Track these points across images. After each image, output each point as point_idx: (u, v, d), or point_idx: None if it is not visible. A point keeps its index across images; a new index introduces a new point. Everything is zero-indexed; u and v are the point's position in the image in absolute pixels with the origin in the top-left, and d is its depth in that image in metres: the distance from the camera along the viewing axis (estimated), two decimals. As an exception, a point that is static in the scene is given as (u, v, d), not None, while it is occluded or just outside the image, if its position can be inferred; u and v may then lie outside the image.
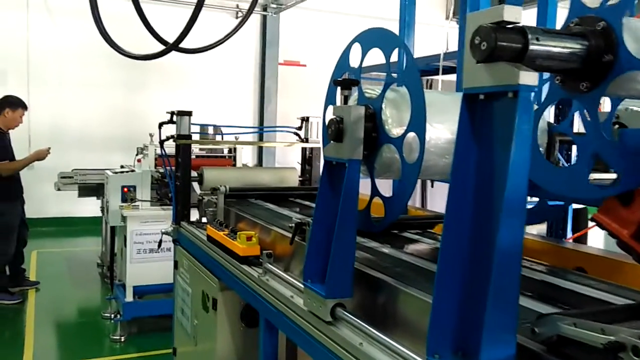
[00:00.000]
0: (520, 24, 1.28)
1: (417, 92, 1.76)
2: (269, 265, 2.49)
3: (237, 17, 11.11)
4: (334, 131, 1.90)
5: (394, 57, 1.96)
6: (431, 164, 1.90)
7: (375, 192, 2.00)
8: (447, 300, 1.37)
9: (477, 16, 1.31)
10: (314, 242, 2.02)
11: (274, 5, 11.69)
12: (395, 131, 1.88)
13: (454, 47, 4.03)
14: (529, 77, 1.22)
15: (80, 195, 7.08)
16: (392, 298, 1.88)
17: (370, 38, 1.99)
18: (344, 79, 1.93)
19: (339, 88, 1.96)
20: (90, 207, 8.50)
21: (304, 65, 12.35)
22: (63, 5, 10.45)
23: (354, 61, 2.14)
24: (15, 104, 6.07)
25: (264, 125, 11.86)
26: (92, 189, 6.94)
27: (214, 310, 3.11)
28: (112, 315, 5.52)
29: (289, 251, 2.60)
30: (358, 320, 1.81)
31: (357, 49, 2.11)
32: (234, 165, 5.94)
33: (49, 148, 6.32)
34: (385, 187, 2.15)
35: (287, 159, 10.73)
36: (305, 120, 4.33)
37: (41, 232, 9.42)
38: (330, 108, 2.27)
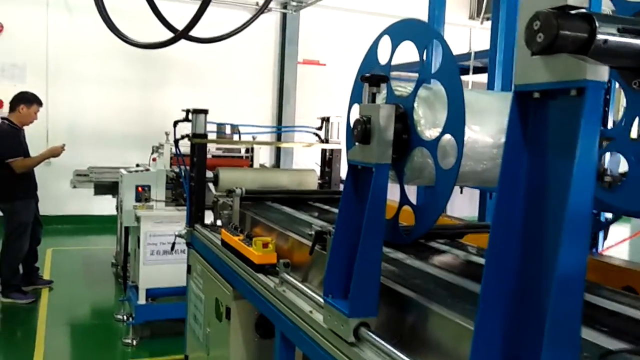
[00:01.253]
0: (586, 10, 1.09)
1: (455, 90, 1.58)
2: (286, 276, 2.32)
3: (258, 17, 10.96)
4: (360, 132, 1.72)
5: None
6: (467, 170, 1.72)
7: (404, 199, 1.82)
8: (491, 331, 1.18)
9: (534, 1, 1.12)
10: (335, 253, 1.85)
11: (294, 3, 11.53)
12: (429, 133, 1.70)
13: (477, 47, 3.85)
14: (598, 72, 1.03)
15: (96, 193, 6.98)
16: (421, 319, 1.70)
17: (402, 30, 1.81)
18: (372, 75, 1.75)
19: (366, 85, 1.78)
20: (106, 205, 8.40)
21: (324, 65, 12.16)
22: (83, 2, 10.38)
23: (382, 57, 1.96)
24: (30, 100, 5.97)
25: (282, 125, 11.71)
26: (108, 187, 6.83)
27: (227, 319, 2.95)
28: (125, 318, 5.39)
29: (308, 260, 2.43)
30: (384, 343, 1.64)
31: (386, 43, 1.93)
32: (251, 165, 5.78)
33: (64, 145, 6.22)
34: (412, 192, 1.98)
35: (305, 160, 10.57)
36: (325, 120, 4.15)
37: (57, 229, 9.36)
38: (356, 107, 2.09)
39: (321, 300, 2.01)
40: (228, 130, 6.12)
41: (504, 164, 1.19)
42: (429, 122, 1.70)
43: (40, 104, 6.13)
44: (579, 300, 1.06)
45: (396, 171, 1.79)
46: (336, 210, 3.48)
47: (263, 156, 7.79)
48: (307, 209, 3.42)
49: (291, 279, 2.28)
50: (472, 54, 3.43)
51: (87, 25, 10.43)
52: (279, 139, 10.89)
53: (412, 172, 1.76)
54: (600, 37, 1.08)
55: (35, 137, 8.23)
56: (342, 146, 3.94)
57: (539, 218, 1.15)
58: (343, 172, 4.12)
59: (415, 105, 1.72)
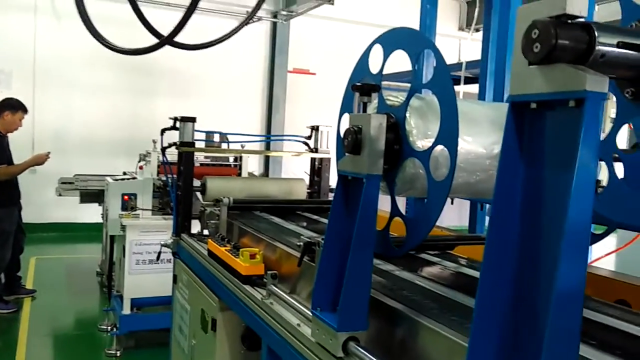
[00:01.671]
0: (584, 19, 1.06)
1: (448, 100, 1.54)
2: (274, 288, 2.27)
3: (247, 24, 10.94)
4: (351, 142, 1.68)
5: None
6: (460, 182, 1.69)
7: (395, 211, 1.78)
8: (486, 349, 1.15)
9: (531, 9, 1.09)
10: (324, 265, 1.80)
11: (284, 13, 11.53)
12: (421, 143, 1.67)
13: (466, 58, 3.84)
14: (598, 82, 1.00)
15: (82, 201, 6.90)
16: (412, 333, 1.66)
17: (394, 39, 1.78)
18: (363, 84, 1.71)
19: (357, 94, 1.74)
20: (92, 213, 8.31)
21: (314, 74, 12.17)
22: (71, 9, 10.27)
23: (374, 66, 1.93)
24: (15, 107, 5.89)
25: (271, 133, 11.67)
26: (94, 195, 6.76)
27: (213, 331, 2.89)
28: (109, 328, 5.30)
29: (296, 272, 2.38)
30: (373, 358, 1.59)
31: (377, 52, 1.90)
32: (240, 174, 5.73)
33: (49, 153, 6.12)
34: (401, 203, 1.94)
35: (295, 169, 10.53)
36: (315, 129, 4.12)
37: (42, 237, 9.24)
38: (347, 117, 2.06)
39: (309, 313, 1.97)
40: (217, 138, 6.08)
41: (499, 175, 1.16)
42: (421, 133, 1.67)
43: (25, 111, 6.04)
44: (578, 316, 1.03)
45: (387, 182, 1.75)
46: (325, 221, 3.44)
47: (252, 165, 7.75)
48: (295, 219, 3.37)
49: (279, 291, 2.23)
50: (464, 64, 3.42)
51: (75, 31, 10.28)
52: (267, 147, 10.86)
53: (404, 184, 1.72)
54: (599, 47, 1.05)
55: (21, 145, 8.13)
56: (332, 155, 3.91)
57: (536, 231, 1.12)
58: (332, 181, 4.10)
59: (407, 115, 1.69)
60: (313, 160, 4.13)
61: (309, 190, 4.05)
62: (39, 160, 6.11)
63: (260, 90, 11.99)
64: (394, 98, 1.76)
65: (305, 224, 3.26)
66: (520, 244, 1.15)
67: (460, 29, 12.86)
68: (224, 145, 5.86)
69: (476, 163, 1.70)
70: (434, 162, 1.62)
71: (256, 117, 11.95)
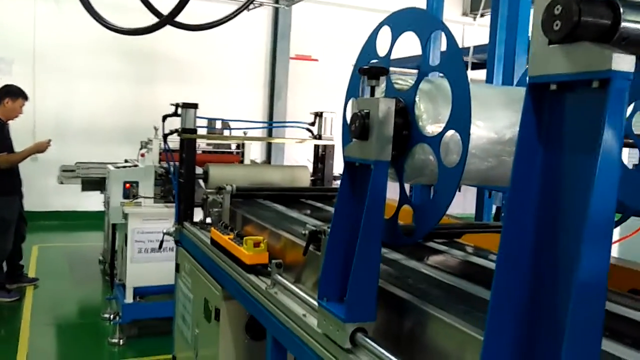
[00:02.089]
0: (608, -5, 1.00)
1: (460, 83, 1.48)
2: (279, 277, 2.23)
3: (248, 10, 10.81)
4: (359, 127, 1.63)
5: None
6: (471, 168, 1.63)
7: (404, 198, 1.73)
8: (501, 344, 1.10)
9: (552, -16, 1.03)
10: (331, 254, 1.75)
11: (286, -2, 11.42)
12: (431, 129, 1.61)
13: (470, 43, 3.76)
14: (624, 62, 0.94)
15: (84, 189, 6.84)
16: (421, 324, 1.62)
17: (403, 20, 1.72)
18: (371, 67, 1.65)
19: (364, 78, 1.68)
20: (94, 201, 8.27)
21: (316, 60, 12.06)
22: (71, -5, 10.23)
23: (381, 49, 1.87)
24: (15, 93, 5.82)
25: (273, 120, 11.60)
26: (96, 182, 6.70)
27: (217, 320, 2.85)
28: (112, 317, 5.28)
29: (301, 260, 2.33)
30: (381, 349, 1.55)
31: (385, 34, 1.83)
32: (242, 161, 5.67)
33: (50, 140, 6.07)
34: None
35: (297, 156, 10.47)
36: (318, 115, 4.05)
37: (43, 226, 9.21)
38: (352, 102, 2.00)
39: (315, 303, 1.92)
40: (218, 125, 6.01)
41: (516, 161, 1.10)
42: (431, 117, 1.61)
43: (26, 98, 5.97)
44: (600, 309, 0.98)
45: (395, 169, 1.69)
46: (330, 209, 3.40)
47: (254, 152, 7.69)
48: (299, 207, 3.33)
49: (284, 280, 2.19)
50: (471, 49, 3.34)
51: (75, 17, 10.23)
52: (270, 134, 10.80)
53: (413, 170, 1.66)
54: (625, 25, 0.99)
55: (22, 132, 8.06)
56: (336, 142, 3.85)
57: (555, 220, 1.07)
58: (337, 168, 4.05)
59: (417, 99, 1.63)
60: (317, 147, 4.07)
61: (312, 178, 3.99)
62: (40, 148, 6.05)
63: (262, 77, 11.89)
64: (403, 82, 1.70)
65: (309, 211, 3.21)
66: (538, 233, 1.10)
67: (464, 14, 12.72)
68: (226, 133, 5.81)
69: (488, 149, 1.64)
70: (445, 148, 1.56)
71: (258, 104, 11.86)
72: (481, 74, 3.36)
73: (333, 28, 11.90)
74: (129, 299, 4.90)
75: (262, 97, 11.92)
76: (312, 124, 4.07)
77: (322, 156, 4.01)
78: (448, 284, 1.87)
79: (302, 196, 3.58)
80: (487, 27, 3.34)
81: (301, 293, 2.02)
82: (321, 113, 4.04)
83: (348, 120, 2.05)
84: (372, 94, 1.69)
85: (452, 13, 12.24)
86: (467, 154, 1.57)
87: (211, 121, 5.85)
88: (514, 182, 1.10)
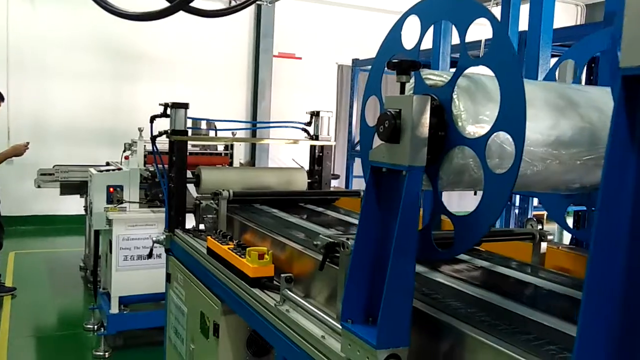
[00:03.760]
0: None
1: (512, 78, 1.30)
2: (289, 293, 2.03)
3: (229, 4, 10.55)
4: (388, 129, 1.45)
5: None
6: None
7: (439, 208, 1.55)
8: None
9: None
10: (356, 272, 1.57)
11: (269, -5, 11.18)
12: (472, 130, 1.43)
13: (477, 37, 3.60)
14: None
15: (63, 193, 6.55)
16: (461, 349, 1.44)
17: (435, 8, 1.53)
18: (401, 60, 1.47)
19: (388, 74, 1.50)
20: (73, 205, 7.98)
21: (299, 58, 11.85)
22: (46, -7, 9.90)
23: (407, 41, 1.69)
24: (-10, 94, 5.54)
25: (256, 119, 11.36)
26: (75, 186, 6.42)
27: (215, 336, 2.65)
28: (95, 327, 5.03)
29: (310, 272, 2.15)
30: (420, 380, 1.37)
31: (412, 24, 1.65)
32: (231, 163, 5.45)
33: (28, 143, 5.79)
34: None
35: (282, 157, 10.26)
36: (315, 115, 3.86)
37: (20, 231, 8.88)
38: (372, 100, 1.82)
39: (334, 323, 1.74)
40: (203, 125, 5.78)
41: (607, 166, 0.93)
42: (472, 117, 1.43)
43: (2, 98, 5.70)
44: None
45: (428, 175, 1.51)
46: (331, 213, 3.22)
47: (238, 153, 7.47)
48: (299, 212, 3.13)
49: (296, 297, 2.00)
50: (483, 42, 3.16)
51: (51, 16, 9.93)
52: (254, 135, 10.56)
53: (450, 176, 1.48)
54: None
55: (-5, 135, 7.79)
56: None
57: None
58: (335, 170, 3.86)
59: (454, 96, 1.45)
60: (313, 148, 3.87)
61: (308, 180, 3.80)
62: (18, 152, 5.77)
63: (245, 76, 11.64)
64: (437, 77, 1.51)
65: (311, 217, 3.02)
66: (632, 251, 0.93)
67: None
68: (212, 133, 5.58)
69: (533, 152, 1.47)
70: (489, 152, 1.39)
71: (241, 103, 11.61)
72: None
73: (316, 25, 11.70)
74: (114, 309, 4.66)
75: (245, 96, 11.68)
76: (309, 123, 3.88)
77: (319, 157, 3.82)
78: (481, 299, 1.70)
79: (301, 200, 3.39)
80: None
81: (319, 313, 1.83)
82: (318, 112, 3.85)
83: (368, 120, 1.87)
84: (402, 90, 1.51)
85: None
86: (520, 160, 1.41)
87: (196, 121, 5.62)
88: (605, 192, 0.93)
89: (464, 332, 1.45)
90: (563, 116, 1.54)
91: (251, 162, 10.80)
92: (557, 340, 1.37)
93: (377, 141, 1.57)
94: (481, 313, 1.57)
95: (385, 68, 1.67)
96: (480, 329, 1.44)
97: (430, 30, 1.61)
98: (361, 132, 1.86)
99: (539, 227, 2.16)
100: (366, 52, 8.56)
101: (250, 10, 11.34)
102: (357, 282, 1.57)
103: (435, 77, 1.51)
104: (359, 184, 8.45)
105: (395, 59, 1.49)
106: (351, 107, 7.49)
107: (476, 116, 1.43)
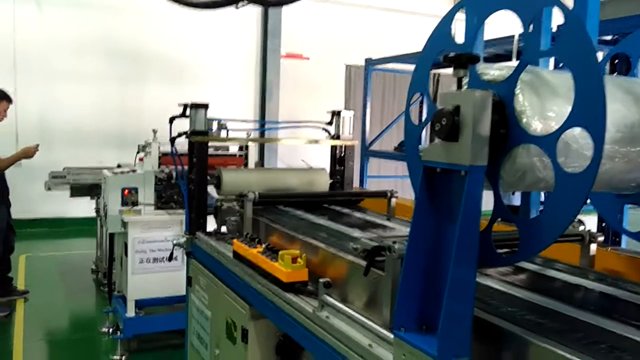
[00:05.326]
0: None
1: (589, 69, 1.22)
2: (329, 298, 1.95)
3: (237, 7, 10.46)
4: (446, 126, 1.37)
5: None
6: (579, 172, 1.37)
7: (500, 210, 1.47)
8: None
9: None
10: (408, 278, 1.49)
11: (276, -5, 11.09)
12: (538, 126, 1.35)
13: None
14: None
15: (73, 195, 6.48)
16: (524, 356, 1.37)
17: (493, -2, 1.45)
18: (460, 54, 1.39)
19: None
20: (83, 207, 7.90)
21: (307, 58, 11.76)
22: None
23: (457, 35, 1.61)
24: (-1, 97, 5.47)
25: (264, 120, 11.27)
26: (86, 188, 6.37)
27: (244, 342, 2.57)
28: (111, 331, 4.96)
29: (345, 276, 2.07)
30: (484, 391, 1.29)
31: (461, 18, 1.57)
32: (246, 164, 5.36)
33: (37, 145, 5.72)
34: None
35: (290, 158, 10.18)
36: (336, 114, 3.78)
37: (31, 233, 8.82)
38: (440, 96, 1.74)
39: (383, 331, 1.66)
40: (215, 126, 5.69)
41: None
42: (537, 113, 1.35)
43: (10, 100, 5.63)
44: None
45: (488, 175, 1.43)
46: (358, 214, 3.14)
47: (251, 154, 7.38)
48: (325, 213, 3.06)
49: (336, 302, 1.92)
50: (516, 37, 3.08)
51: (57, 19, 9.87)
52: (262, 135, 10.47)
53: (512, 176, 1.40)
54: None
55: (4, 137, 7.69)
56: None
57: None
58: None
59: (517, 91, 1.37)
60: (334, 148, 3.79)
61: (331, 181, 3.72)
62: (28, 154, 5.69)
63: (253, 76, 11.55)
64: (496, 71, 1.43)
65: (340, 219, 2.94)
66: None
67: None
68: (223, 133, 5.50)
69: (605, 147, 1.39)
70: (560, 150, 1.30)
71: (249, 103, 11.53)
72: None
73: (323, 25, 11.61)
74: (130, 312, 4.59)
75: (253, 97, 11.60)
76: (330, 123, 3.80)
77: (340, 157, 3.74)
78: (539, 305, 1.62)
79: (325, 201, 3.31)
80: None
81: (364, 319, 1.75)
82: (339, 112, 3.77)
83: (413, 117, 1.79)
84: (459, 86, 1.43)
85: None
86: (576, 155, 1.33)
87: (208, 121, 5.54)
88: None
89: (531, 341, 1.37)
90: (629, 111, 1.46)
91: (260, 163, 10.72)
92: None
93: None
94: (543, 319, 1.50)
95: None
96: (551, 337, 1.36)
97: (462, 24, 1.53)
98: (406, 133, 1.78)
99: (585, 228, 2.08)
100: (375, 52, 8.48)
101: (258, 11, 11.27)
102: (410, 288, 1.50)
103: (494, 71, 1.44)
104: (373, 185, 8.35)
105: (449, 54, 1.41)
106: (364, 106, 7.40)
107: (542, 112, 1.35)
